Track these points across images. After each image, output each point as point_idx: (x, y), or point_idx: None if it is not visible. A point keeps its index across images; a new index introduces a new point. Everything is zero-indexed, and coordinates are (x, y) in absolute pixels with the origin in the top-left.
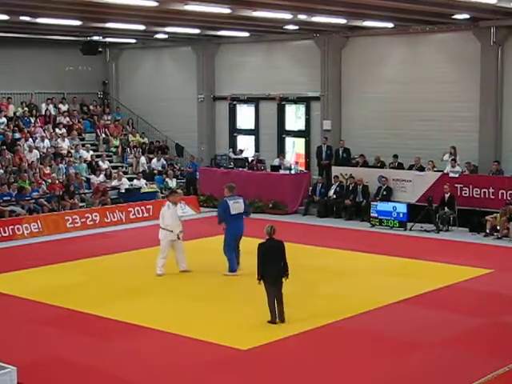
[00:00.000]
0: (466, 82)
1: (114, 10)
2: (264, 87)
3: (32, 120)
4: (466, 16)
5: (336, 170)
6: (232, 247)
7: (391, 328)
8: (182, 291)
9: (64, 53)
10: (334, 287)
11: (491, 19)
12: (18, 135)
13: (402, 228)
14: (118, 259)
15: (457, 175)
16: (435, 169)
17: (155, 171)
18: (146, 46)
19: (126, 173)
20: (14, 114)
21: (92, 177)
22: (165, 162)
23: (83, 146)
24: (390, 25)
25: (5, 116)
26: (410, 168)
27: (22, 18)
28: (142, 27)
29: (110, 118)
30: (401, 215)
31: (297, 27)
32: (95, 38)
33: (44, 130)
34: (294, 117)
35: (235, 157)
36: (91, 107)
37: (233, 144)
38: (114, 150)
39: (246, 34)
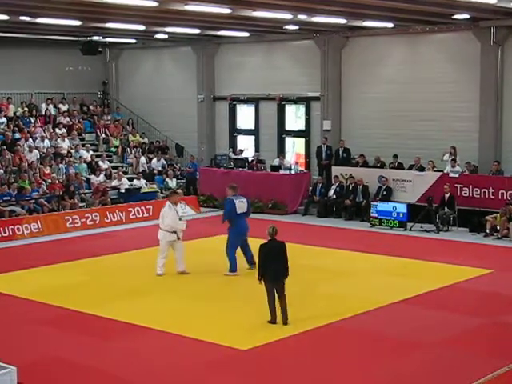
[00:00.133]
0: (466, 82)
1: (113, 10)
2: (264, 87)
3: (32, 120)
4: (466, 16)
5: (336, 170)
6: (235, 247)
7: (391, 328)
8: (182, 291)
9: (64, 53)
10: (334, 287)
11: (491, 19)
12: (17, 135)
13: (401, 228)
14: (118, 259)
15: (457, 175)
16: (435, 169)
17: (155, 171)
18: (145, 46)
19: (125, 173)
20: (14, 113)
21: (92, 177)
22: (165, 162)
23: (83, 145)
24: (390, 25)
25: (5, 116)
26: (410, 168)
27: (22, 18)
28: (141, 27)
29: (109, 118)
30: (401, 215)
31: (297, 27)
32: (95, 38)
33: (44, 130)
34: (294, 117)
35: (235, 157)
36: (91, 107)
37: (233, 144)
38: (113, 150)
39: (246, 34)
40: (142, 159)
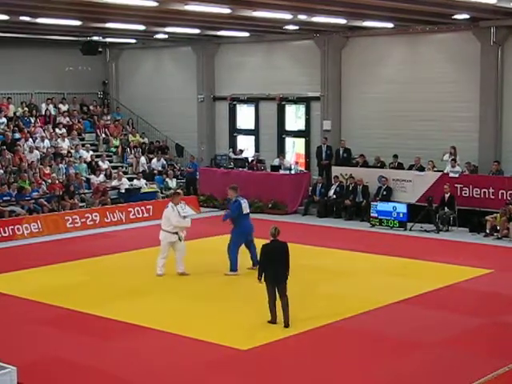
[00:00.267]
0: (466, 82)
1: (113, 10)
2: (264, 87)
3: (32, 120)
4: (466, 16)
5: (336, 170)
6: (238, 246)
7: (391, 328)
8: (182, 291)
9: (64, 53)
10: (334, 287)
11: (491, 19)
12: (17, 135)
13: (401, 228)
14: (118, 259)
15: (457, 175)
16: (435, 169)
17: (155, 171)
18: (145, 46)
19: (125, 173)
20: (14, 114)
21: (92, 177)
22: (165, 162)
23: (83, 146)
24: (390, 25)
25: (5, 116)
26: (410, 168)
27: (22, 18)
28: (141, 27)
29: (109, 118)
30: (401, 215)
31: (297, 27)
32: (95, 38)
33: (44, 130)
34: (294, 117)
35: (235, 157)
36: (91, 107)
37: (233, 144)
38: (114, 150)
39: (246, 34)
40: (142, 159)
